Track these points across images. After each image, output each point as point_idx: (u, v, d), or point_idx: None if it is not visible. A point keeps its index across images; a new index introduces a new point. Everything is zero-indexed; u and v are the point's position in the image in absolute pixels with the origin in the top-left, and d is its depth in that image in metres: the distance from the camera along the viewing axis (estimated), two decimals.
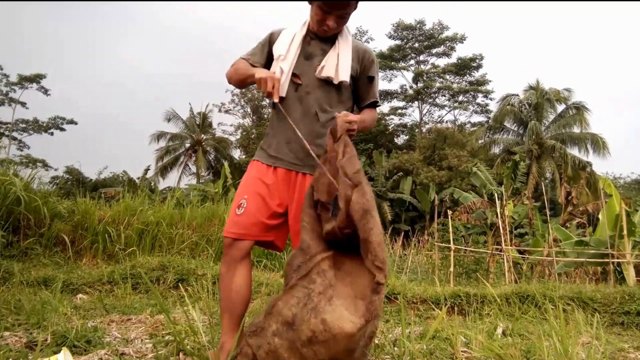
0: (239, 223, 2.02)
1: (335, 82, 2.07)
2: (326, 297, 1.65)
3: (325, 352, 1.60)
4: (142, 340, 2.65)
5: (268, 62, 2.19)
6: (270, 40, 2.18)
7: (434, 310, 4.55)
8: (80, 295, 4.42)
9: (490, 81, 33.19)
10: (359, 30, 33.13)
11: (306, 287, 1.70)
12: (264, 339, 1.72)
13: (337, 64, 2.07)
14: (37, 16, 70.95)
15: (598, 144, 24.21)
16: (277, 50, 2.10)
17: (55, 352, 2.17)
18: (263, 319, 1.78)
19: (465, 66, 33.33)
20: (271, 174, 2.09)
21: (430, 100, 34.97)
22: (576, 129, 25.56)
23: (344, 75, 2.07)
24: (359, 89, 2.23)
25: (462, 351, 2.56)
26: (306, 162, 2.08)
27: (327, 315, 1.59)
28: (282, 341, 1.66)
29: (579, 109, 25.57)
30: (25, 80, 33.63)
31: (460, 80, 34.49)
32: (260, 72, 2.01)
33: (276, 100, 2.02)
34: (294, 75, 2.09)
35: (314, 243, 1.79)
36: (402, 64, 34.84)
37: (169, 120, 30.51)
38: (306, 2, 2.10)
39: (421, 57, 35.14)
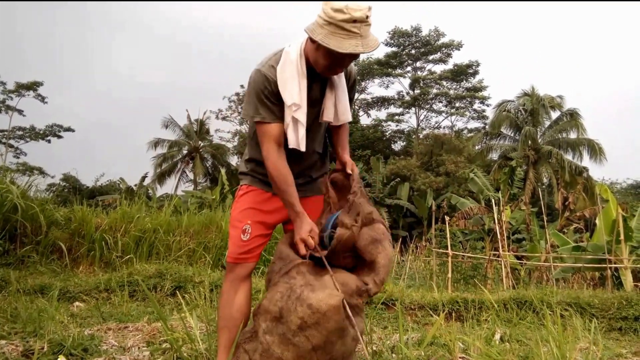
0: (245, 247, 2.07)
1: (336, 124, 2.11)
2: (308, 288, 1.73)
3: (318, 335, 1.64)
4: (139, 348, 2.65)
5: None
6: (273, 86, 1.94)
7: (431, 316, 4.54)
8: (77, 303, 4.41)
9: (487, 87, 33.40)
10: None
11: (287, 282, 1.80)
12: (257, 341, 1.75)
13: (336, 106, 2.06)
14: (33, 24, 71.09)
15: (594, 150, 24.31)
16: (288, 98, 1.91)
17: None
18: (254, 322, 1.84)
19: (461, 72, 33.49)
20: (271, 200, 2.12)
21: (427, 107, 35.12)
22: (572, 135, 25.69)
23: (345, 116, 2.09)
24: None
25: (460, 357, 2.56)
26: (308, 188, 2.17)
27: (312, 300, 1.66)
28: (273, 337, 1.70)
29: (573, 115, 25.71)
30: (22, 88, 33.61)
31: (457, 87, 34.66)
32: (302, 232, 1.89)
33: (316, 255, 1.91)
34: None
35: (291, 253, 1.92)
36: (398, 71, 35.00)
37: (166, 127, 30.51)
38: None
39: (418, 64, 35.32)
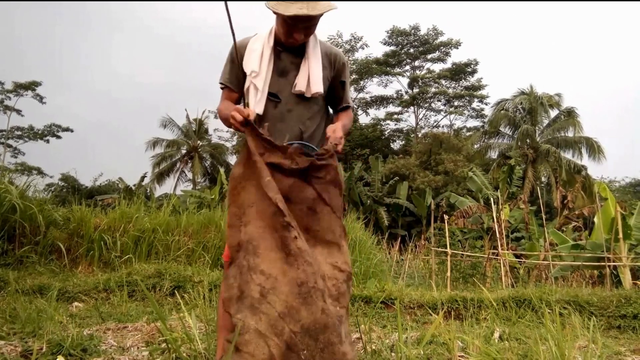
0: None
1: (308, 95, 2.09)
2: (254, 257, 1.78)
3: (278, 300, 1.67)
4: (138, 348, 2.64)
5: (243, 78, 2.15)
6: (237, 54, 2.12)
7: (431, 315, 4.55)
8: (75, 304, 4.40)
9: (485, 85, 33.40)
10: (353, 37, 33.28)
11: (236, 264, 1.82)
12: (234, 326, 1.75)
13: (309, 77, 2.08)
14: (32, 24, 70.93)
15: (593, 148, 24.31)
16: (248, 66, 2.07)
17: None
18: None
19: (460, 71, 33.48)
20: None
21: (426, 105, 35.11)
22: (571, 133, 25.70)
23: (317, 87, 2.09)
24: (332, 94, 2.25)
25: (459, 356, 2.56)
26: None
27: (263, 266, 1.72)
28: (245, 312, 1.70)
29: (571, 113, 25.73)
30: (21, 88, 33.59)
31: (456, 85, 34.66)
32: (234, 110, 1.92)
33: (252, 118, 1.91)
34: (270, 94, 2.08)
35: (247, 196, 1.92)
36: (397, 70, 34.98)
37: (164, 126, 30.48)
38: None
39: (416, 63, 35.31)
